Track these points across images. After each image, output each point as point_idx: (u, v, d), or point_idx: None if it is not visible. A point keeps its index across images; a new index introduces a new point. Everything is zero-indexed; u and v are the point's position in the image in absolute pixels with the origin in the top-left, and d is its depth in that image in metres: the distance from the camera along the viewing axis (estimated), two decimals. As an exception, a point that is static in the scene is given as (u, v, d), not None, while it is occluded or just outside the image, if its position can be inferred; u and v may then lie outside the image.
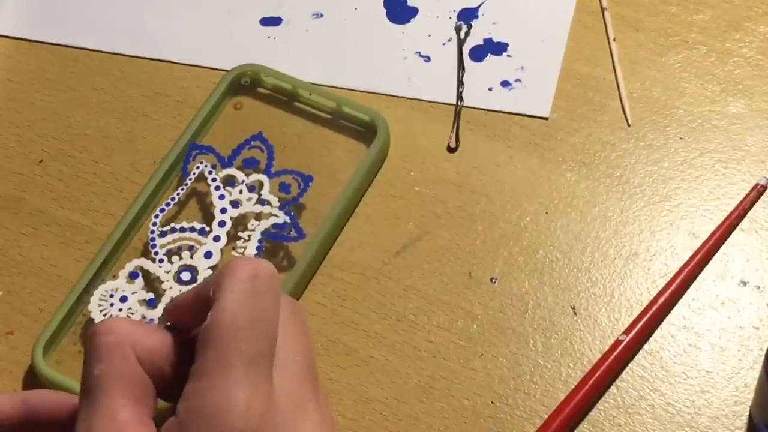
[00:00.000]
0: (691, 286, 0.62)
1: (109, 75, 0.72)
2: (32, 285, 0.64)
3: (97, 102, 0.71)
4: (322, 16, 0.73)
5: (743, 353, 0.60)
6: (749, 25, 0.71)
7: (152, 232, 0.64)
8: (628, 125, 0.68)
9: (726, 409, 0.59)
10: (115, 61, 0.72)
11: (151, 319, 0.62)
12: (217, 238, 0.64)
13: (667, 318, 0.62)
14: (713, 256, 0.63)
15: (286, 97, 0.69)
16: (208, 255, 0.63)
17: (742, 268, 0.63)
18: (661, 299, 0.61)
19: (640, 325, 0.61)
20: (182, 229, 0.64)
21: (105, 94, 0.71)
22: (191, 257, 0.63)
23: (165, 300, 0.62)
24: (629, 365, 0.60)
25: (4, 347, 0.62)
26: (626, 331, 0.60)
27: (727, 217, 0.64)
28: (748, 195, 0.65)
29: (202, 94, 0.70)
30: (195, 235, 0.64)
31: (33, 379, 0.61)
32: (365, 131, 0.68)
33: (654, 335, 0.61)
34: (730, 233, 0.64)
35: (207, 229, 0.64)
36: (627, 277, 0.63)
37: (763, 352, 0.59)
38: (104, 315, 0.62)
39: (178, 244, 0.64)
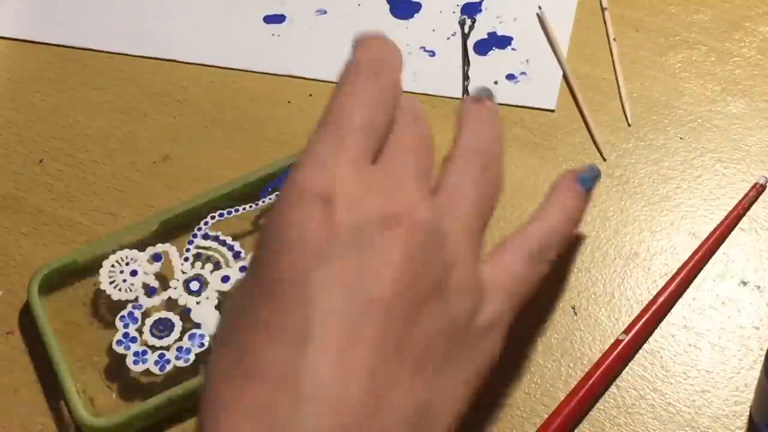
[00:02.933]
0: (691, 286, 0.62)
1: (109, 75, 0.72)
2: (32, 285, 0.64)
3: (97, 102, 0.71)
4: (325, 12, 0.73)
5: (743, 353, 0.60)
6: (749, 25, 0.71)
7: (199, 228, 0.63)
8: (628, 125, 0.68)
9: (726, 409, 0.59)
10: (115, 61, 0.72)
11: (132, 310, 0.61)
12: (242, 269, 0.62)
13: (667, 318, 0.62)
14: (713, 255, 0.63)
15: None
16: (225, 279, 0.62)
17: (742, 268, 0.63)
18: (661, 299, 0.61)
19: (639, 324, 0.61)
20: (222, 242, 0.63)
21: (105, 94, 0.71)
22: (211, 273, 0.62)
23: (163, 297, 0.62)
24: (629, 365, 0.60)
25: (4, 347, 0.62)
26: (626, 331, 0.60)
27: (727, 217, 0.64)
28: (747, 194, 0.65)
29: (202, 94, 0.70)
30: (228, 254, 0.63)
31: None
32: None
33: (654, 335, 0.61)
34: (730, 233, 0.64)
35: (242, 255, 0.63)
36: (627, 277, 0.63)
37: (763, 352, 0.59)
38: (111, 282, 0.61)
39: (210, 253, 0.63)
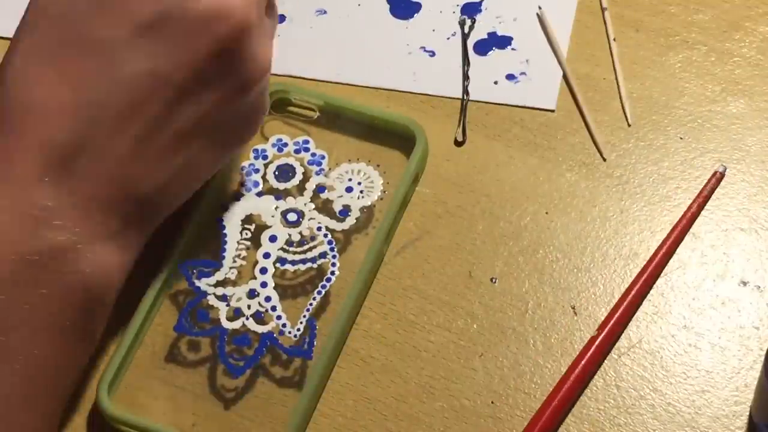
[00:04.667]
0: (691, 287, 0.62)
1: (109, 75, 0.72)
2: (32, 285, 0.64)
3: (97, 102, 0.71)
4: (325, 12, 0.73)
5: (743, 353, 0.60)
6: (749, 25, 0.71)
7: None
8: (628, 125, 0.68)
9: (726, 409, 0.59)
10: (115, 61, 0.72)
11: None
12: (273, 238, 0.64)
13: (667, 318, 0.62)
14: (677, 247, 0.63)
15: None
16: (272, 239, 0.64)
17: (742, 268, 0.63)
18: (633, 291, 0.61)
19: (613, 320, 0.61)
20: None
21: (105, 94, 0.71)
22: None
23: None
24: (630, 365, 0.60)
25: (4, 347, 0.62)
26: (600, 328, 0.60)
27: (689, 208, 0.64)
28: (707, 183, 0.65)
29: (202, 94, 0.70)
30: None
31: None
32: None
33: (654, 335, 0.61)
34: (692, 224, 0.64)
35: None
36: (627, 277, 0.63)
37: (763, 352, 0.59)
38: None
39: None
